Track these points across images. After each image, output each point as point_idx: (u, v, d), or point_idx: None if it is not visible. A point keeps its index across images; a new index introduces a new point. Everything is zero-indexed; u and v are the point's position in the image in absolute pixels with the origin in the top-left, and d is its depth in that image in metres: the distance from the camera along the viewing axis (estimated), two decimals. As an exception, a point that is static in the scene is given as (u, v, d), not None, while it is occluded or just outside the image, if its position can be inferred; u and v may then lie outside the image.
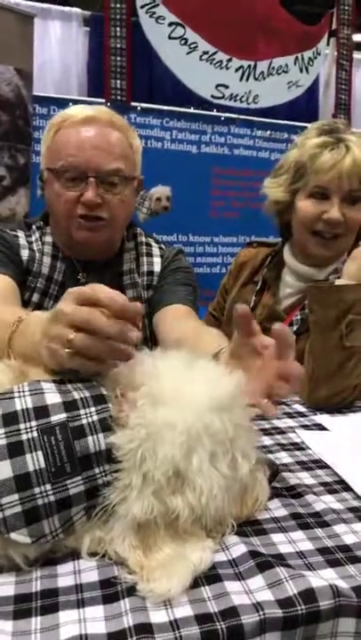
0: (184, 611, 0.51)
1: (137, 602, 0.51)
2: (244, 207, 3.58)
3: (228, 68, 3.42)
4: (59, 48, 3.75)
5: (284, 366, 0.67)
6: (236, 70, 3.45)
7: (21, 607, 0.51)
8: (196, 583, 0.54)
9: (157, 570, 0.54)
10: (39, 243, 1.17)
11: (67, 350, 0.61)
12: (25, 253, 1.14)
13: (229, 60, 3.42)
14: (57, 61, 3.75)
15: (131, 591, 0.53)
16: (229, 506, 0.62)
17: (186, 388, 0.62)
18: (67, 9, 3.77)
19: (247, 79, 3.48)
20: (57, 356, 0.62)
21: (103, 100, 3.18)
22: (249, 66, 3.48)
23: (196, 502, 0.58)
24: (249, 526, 0.65)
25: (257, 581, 0.55)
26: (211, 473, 0.59)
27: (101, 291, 0.61)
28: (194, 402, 0.61)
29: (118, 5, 3.14)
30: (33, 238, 1.18)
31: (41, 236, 1.18)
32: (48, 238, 1.18)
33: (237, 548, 0.60)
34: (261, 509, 0.68)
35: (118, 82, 3.20)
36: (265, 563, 0.57)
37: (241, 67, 3.46)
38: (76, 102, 3.21)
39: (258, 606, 0.51)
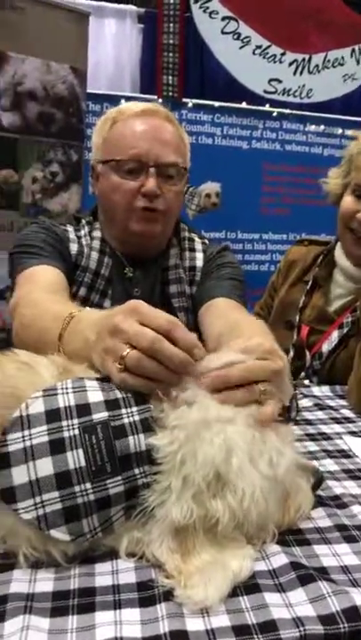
0: (221, 620, 0.49)
1: (173, 608, 0.51)
2: (295, 204, 3.51)
3: (281, 62, 3.36)
4: (113, 45, 3.78)
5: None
6: (290, 64, 3.38)
7: (59, 604, 0.51)
8: (234, 592, 0.53)
9: (195, 576, 0.53)
10: (87, 237, 1.18)
11: (117, 365, 0.61)
12: (74, 247, 1.15)
13: (283, 54, 3.35)
14: (111, 59, 3.79)
15: (167, 596, 0.52)
16: (271, 510, 0.60)
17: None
18: (121, 7, 3.80)
19: (301, 73, 3.40)
20: (107, 368, 0.63)
21: (155, 97, 3.18)
22: (303, 59, 3.39)
23: (237, 506, 0.57)
24: (291, 535, 0.63)
25: (298, 595, 0.53)
26: (251, 474, 0.58)
27: (161, 316, 0.61)
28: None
29: (172, 1, 3.13)
30: (82, 233, 1.19)
31: (90, 231, 1.19)
32: (97, 233, 1.19)
33: (278, 557, 0.58)
34: (304, 518, 0.66)
35: (170, 78, 3.20)
36: (307, 576, 0.55)
37: (295, 60, 3.38)
38: (128, 99, 3.24)
39: (298, 621, 0.49)
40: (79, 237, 1.18)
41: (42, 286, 1.00)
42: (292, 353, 1.31)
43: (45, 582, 0.54)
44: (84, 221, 1.22)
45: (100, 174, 1.15)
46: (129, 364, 0.60)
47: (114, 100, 3.22)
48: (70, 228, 1.19)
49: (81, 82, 2.82)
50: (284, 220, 3.50)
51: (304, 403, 1.11)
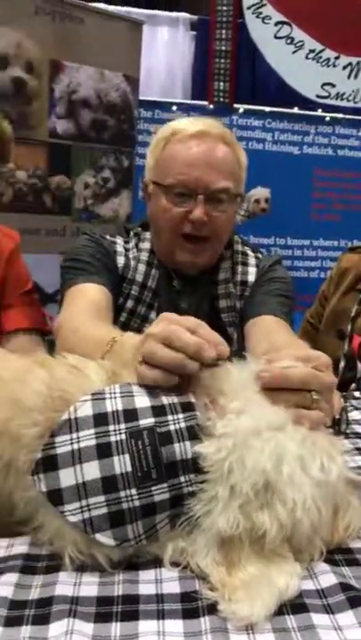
0: (267, 639, 0.48)
1: (217, 622, 0.49)
2: (346, 210, 3.43)
3: (335, 66, 3.29)
4: (165, 53, 3.82)
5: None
6: (344, 68, 3.31)
7: (103, 610, 0.51)
8: (280, 611, 0.51)
9: (240, 590, 0.52)
10: (135, 250, 1.18)
11: (138, 361, 0.62)
12: (121, 260, 1.16)
13: (337, 58, 3.29)
14: (163, 66, 3.83)
15: (211, 609, 0.51)
16: (324, 519, 0.58)
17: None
18: (174, 14, 3.83)
19: (356, 76, 3.33)
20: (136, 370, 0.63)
21: (206, 103, 3.19)
22: (358, 62, 3.32)
23: (287, 517, 0.55)
24: (340, 554, 0.60)
25: (348, 618, 0.50)
26: (303, 482, 0.56)
27: (189, 318, 0.62)
28: (277, 409, 0.58)
29: (225, 8, 3.14)
30: (130, 245, 1.19)
31: (137, 243, 1.19)
32: (145, 245, 1.19)
33: (327, 577, 0.56)
34: (354, 537, 0.63)
35: (221, 84, 3.20)
36: (357, 598, 0.52)
37: (349, 64, 3.31)
38: (179, 105, 3.26)
39: (348, 645, 0.47)
40: (127, 250, 1.18)
41: (85, 306, 1.01)
42: (343, 363, 1.27)
43: (90, 586, 0.54)
44: (132, 233, 1.22)
45: (151, 194, 1.15)
46: (144, 352, 0.60)
47: (165, 107, 3.25)
48: (119, 240, 1.19)
49: (133, 89, 2.86)
50: (334, 227, 3.43)
51: (354, 415, 1.08)
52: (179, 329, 0.60)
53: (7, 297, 1.15)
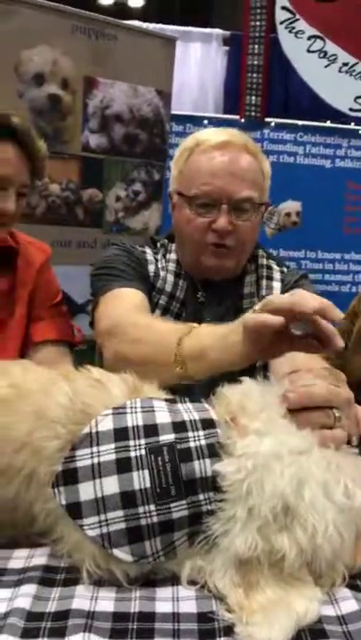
0: (283, 664, 0.47)
1: (234, 644, 0.49)
2: (379, 224, 3.38)
3: (369, 79, 3.27)
4: (198, 68, 3.87)
5: None
6: (378, 80, 3.28)
7: (119, 626, 0.51)
8: (298, 636, 0.50)
9: (258, 613, 0.51)
10: (163, 260, 1.19)
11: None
12: (151, 269, 1.17)
13: (371, 71, 3.26)
14: (195, 80, 3.87)
15: (228, 631, 0.50)
16: (347, 546, 0.57)
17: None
18: (207, 30, 3.88)
19: (390, 89, 3.29)
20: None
21: (237, 117, 3.20)
22: (392, 75, 3.29)
23: (307, 542, 0.54)
24: (362, 580, 0.59)
25: (368, 646, 0.49)
26: (325, 508, 0.55)
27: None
28: (302, 433, 0.57)
29: (258, 23, 3.16)
30: (158, 256, 1.20)
31: (165, 254, 1.20)
32: (172, 256, 1.19)
33: (348, 603, 0.54)
34: (379, 562, 0.61)
35: (253, 98, 3.21)
36: (379, 626, 0.51)
37: (384, 77, 3.28)
38: (210, 120, 3.29)
39: (367, 676, 0.46)
40: (156, 260, 1.19)
41: (131, 306, 1.02)
42: (371, 380, 1.24)
43: (107, 602, 0.54)
44: (159, 244, 1.23)
45: (175, 204, 1.16)
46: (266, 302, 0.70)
47: (197, 121, 3.28)
48: (148, 250, 1.20)
49: (165, 104, 2.90)
50: (367, 240, 3.38)
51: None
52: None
53: (37, 308, 1.17)
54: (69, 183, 2.64)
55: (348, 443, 0.69)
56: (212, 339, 0.79)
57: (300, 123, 3.28)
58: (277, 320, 0.68)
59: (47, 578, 0.57)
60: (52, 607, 0.53)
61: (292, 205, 3.22)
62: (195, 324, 0.85)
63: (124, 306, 1.02)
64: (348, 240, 3.37)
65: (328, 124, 3.33)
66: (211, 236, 1.09)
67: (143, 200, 2.89)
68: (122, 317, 0.98)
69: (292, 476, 0.55)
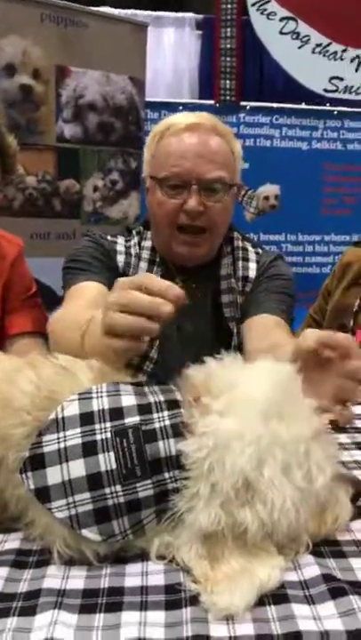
0: (246, 628, 0.49)
1: (198, 612, 0.51)
2: (357, 204, 3.41)
3: (342, 59, 3.28)
4: (172, 53, 3.84)
5: (353, 366, 0.66)
6: (352, 60, 3.30)
7: (88, 602, 0.52)
8: (261, 601, 0.52)
9: (222, 583, 0.53)
10: (137, 247, 1.20)
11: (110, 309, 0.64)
12: (121, 259, 1.18)
13: (344, 51, 3.27)
14: (170, 66, 3.84)
15: (193, 601, 0.52)
16: (304, 522, 0.59)
17: (259, 399, 0.60)
18: (180, 15, 3.84)
19: (364, 69, 3.30)
20: (104, 319, 0.66)
21: (212, 102, 3.20)
22: (366, 54, 3.29)
23: (267, 516, 0.56)
24: (327, 547, 0.61)
25: (327, 608, 0.51)
26: (283, 485, 0.57)
27: (146, 277, 0.65)
28: (265, 412, 0.59)
29: (229, 6, 3.14)
30: (132, 243, 1.21)
31: (140, 241, 1.21)
32: (147, 243, 1.20)
33: (311, 569, 0.57)
34: (342, 529, 0.64)
35: (228, 82, 3.21)
36: (339, 589, 0.53)
37: (357, 56, 3.29)
38: (185, 105, 3.27)
39: (325, 635, 0.48)
40: (128, 248, 1.20)
41: (84, 303, 1.03)
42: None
43: (77, 580, 0.55)
44: (134, 232, 1.24)
45: (148, 188, 1.17)
46: (106, 324, 0.65)
47: (172, 107, 3.27)
48: (120, 240, 1.21)
49: (139, 91, 2.88)
50: (346, 221, 3.41)
51: (356, 410, 1.08)
52: (133, 293, 0.63)
53: (12, 301, 1.17)
54: (45, 175, 2.62)
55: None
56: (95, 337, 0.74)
57: (274, 105, 3.28)
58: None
59: (19, 560, 0.58)
60: (23, 588, 0.54)
61: (270, 189, 3.24)
62: (96, 315, 0.79)
63: (77, 303, 1.04)
64: (328, 221, 3.40)
65: (303, 105, 3.34)
66: (182, 217, 1.10)
67: (121, 189, 2.88)
68: (58, 316, 1.01)
69: (252, 455, 0.57)
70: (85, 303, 1.02)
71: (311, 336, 0.68)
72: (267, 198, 3.25)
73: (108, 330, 0.65)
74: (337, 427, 0.95)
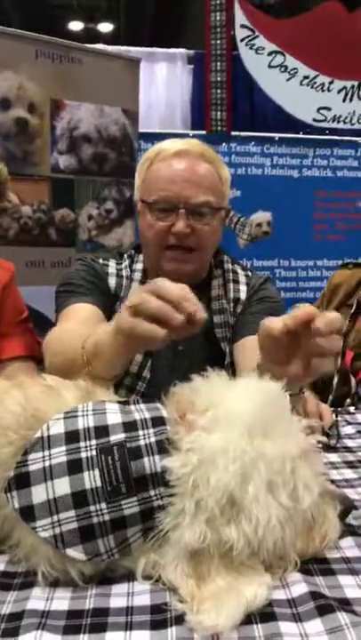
0: (231, 647, 0.48)
1: (184, 632, 0.50)
2: (350, 229, 3.46)
3: (330, 90, 3.37)
4: (164, 87, 3.95)
5: (320, 342, 0.68)
6: (339, 92, 3.39)
7: (72, 623, 0.52)
8: (248, 620, 0.52)
9: (208, 601, 0.52)
10: (128, 270, 1.22)
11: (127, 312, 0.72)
12: (112, 281, 1.20)
13: (331, 83, 3.37)
14: (163, 99, 3.95)
15: (179, 620, 0.51)
16: (291, 540, 0.59)
17: (244, 415, 0.61)
18: (172, 50, 3.97)
19: (351, 99, 3.40)
20: (118, 321, 0.74)
21: (204, 132, 3.27)
22: (353, 86, 3.40)
23: (252, 533, 0.56)
24: (315, 564, 0.61)
25: (315, 625, 0.51)
26: (268, 503, 0.57)
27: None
28: (250, 428, 0.59)
29: (219, 42, 3.25)
30: (123, 266, 1.23)
31: (131, 264, 1.23)
32: (138, 265, 1.23)
33: (298, 586, 0.56)
34: (331, 547, 0.63)
35: (219, 113, 3.29)
36: (326, 606, 0.53)
37: (344, 87, 3.39)
38: (178, 136, 3.35)
39: (311, 652, 0.47)
40: (119, 270, 1.22)
41: (77, 321, 1.05)
42: (336, 378, 1.28)
43: (62, 601, 0.55)
44: (125, 255, 1.27)
45: (139, 212, 1.20)
46: (134, 302, 0.71)
47: (165, 138, 3.33)
48: (112, 263, 1.24)
49: (133, 122, 2.95)
50: (338, 247, 3.45)
51: (347, 430, 1.08)
52: (165, 284, 0.71)
53: (3, 325, 1.18)
54: (41, 204, 2.66)
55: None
56: (104, 333, 0.83)
57: (265, 135, 3.36)
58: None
59: (4, 583, 0.57)
60: (6, 609, 0.54)
61: (262, 216, 3.29)
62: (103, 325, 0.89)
63: (69, 323, 1.06)
64: (319, 247, 3.44)
65: (293, 135, 3.42)
66: (171, 238, 1.13)
67: (115, 218, 2.93)
68: (53, 333, 1.03)
69: (236, 471, 0.57)
70: (80, 322, 1.04)
71: (277, 323, 0.70)
72: (259, 225, 3.29)
73: (134, 307, 0.70)
74: (327, 446, 0.95)
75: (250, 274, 1.27)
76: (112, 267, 1.22)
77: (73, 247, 2.78)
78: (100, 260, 1.23)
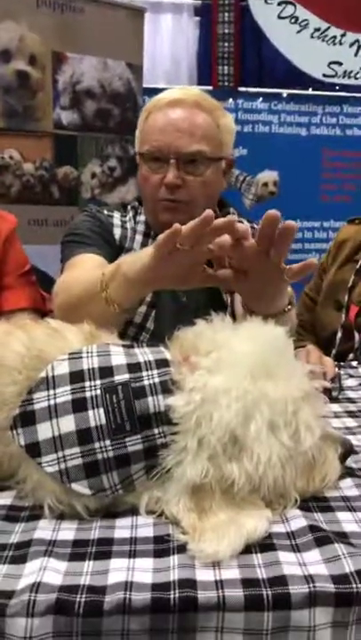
0: (231, 573, 0.50)
1: (185, 559, 0.52)
2: (358, 190, 3.39)
3: (341, 44, 3.25)
4: (170, 40, 3.81)
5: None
6: (351, 45, 3.27)
7: (77, 551, 0.53)
8: (248, 549, 0.53)
9: (209, 532, 0.54)
10: (132, 222, 1.22)
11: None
12: (117, 232, 1.19)
13: (343, 35, 3.24)
14: (168, 53, 3.81)
15: (181, 549, 0.53)
16: (291, 478, 0.60)
17: (247, 356, 0.61)
18: (178, 1, 3.81)
19: (363, 53, 3.28)
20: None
21: (210, 88, 3.18)
22: (365, 39, 3.27)
23: (253, 470, 0.57)
24: (314, 502, 0.62)
25: (313, 555, 0.52)
26: (270, 442, 0.58)
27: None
28: (253, 369, 0.59)
29: (227, -10, 3.12)
30: (127, 217, 1.23)
31: (134, 215, 1.23)
32: (141, 217, 1.22)
33: (298, 521, 0.58)
34: (330, 487, 0.64)
35: (226, 68, 3.19)
36: (324, 538, 0.54)
37: (356, 41, 3.26)
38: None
39: (309, 578, 0.49)
40: (124, 222, 1.22)
41: (83, 270, 1.04)
42: (340, 334, 1.28)
43: (68, 531, 0.56)
44: (129, 207, 1.26)
45: (138, 164, 1.19)
46: None
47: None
48: (116, 214, 1.23)
49: (137, 77, 2.87)
50: (346, 208, 3.38)
51: (349, 382, 1.09)
52: None
53: (6, 277, 1.18)
54: (43, 161, 2.62)
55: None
56: (128, 257, 0.88)
57: (272, 91, 3.26)
58: (182, 229, 0.76)
59: (11, 515, 0.59)
60: (14, 539, 0.55)
61: (268, 175, 3.22)
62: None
63: (77, 271, 1.05)
64: (327, 208, 3.38)
65: (302, 91, 3.31)
66: (162, 191, 1.12)
67: (119, 176, 2.88)
68: (64, 278, 1.04)
69: (239, 410, 0.57)
70: (87, 270, 1.03)
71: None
72: (265, 185, 3.23)
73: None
74: (329, 397, 0.96)
75: (255, 226, 1.26)
76: (117, 218, 1.22)
77: (76, 206, 2.75)
78: (105, 212, 1.23)
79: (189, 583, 0.48)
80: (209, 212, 0.75)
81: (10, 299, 1.16)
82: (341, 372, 1.09)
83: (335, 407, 0.94)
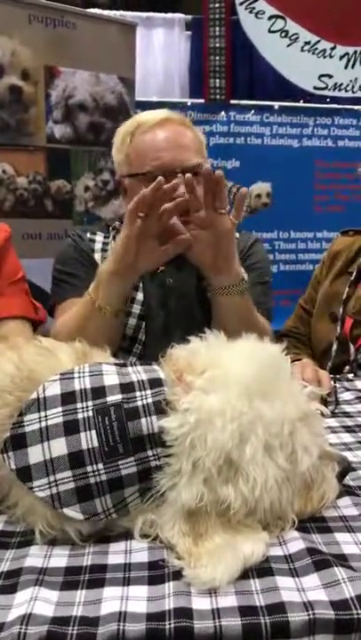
0: (228, 601, 0.49)
1: (181, 586, 0.50)
2: (350, 200, 3.40)
3: (331, 57, 3.28)
4: (162, 54, 3.84)
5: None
6: (341, 58, 3.30)
7: (69, 579, 0.52)
8: (245, 575, 0.52)
9: (205, 557, 0.53)
10: (113, 242, 1.22)
11: None
12: (98, 257, 1.22)
13: (333, 48, 3.27)
14: (160, 67, 3.85)
15: (177, 575, 0.52)
16: (288, 500, 0.59)
17: (242, 376, 0.60)
18: (169, 15, 3.85)
19: (353, 66, 3.31)
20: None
21: (202, 101, 3.20)
22: (355, 52, 3.30)
23: (249, 493, 0.56)
24: (313, 523, 0.61)
25: (312, 580, 0.51)
26: (266, 464, 0.57)
27: None
28: (248, 390, 0.58)
29: (217, 5, 3.15)
30: (109, 239, 1.25)
31: (115, 236, 1.23)
32: None
33: (295, 543, 0.56)
34: (328, 507, 0.63)
35: (217, 81, 3.21)
36: (323, 561, 0.53)
37: (346, 54, 3.29)
38: (175, 105, 3.27)
39: (308, 605, 0.48)
40: (105, 244, 1.25)
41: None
42: (335, 346, 1.27)
43: (59, 558, 0.55)
44: (111, 227, 1.28)
45: (127, 188, 1.19)
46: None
47: (164, 107, 3.27)
48: (99, 237, 1.26)
49: (129, 90, 2.88)
50: (338, 218, 3.39)
51: (345, 396, 1.08)
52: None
53: (-2, 284, 1.17)
54: (36, 175, 2.61)
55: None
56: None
57: (264, 103, 3.29)
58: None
59: (2, 541, 0.58)
60: (4, 567, 0.54)
61: (261, 187, 3.23)
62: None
63: (70, 312, 1.13)
64: (320, 219, 3.39)
65: (293, 103, 3.34)
66: None
67: (112, 189, 2.88)
68: (60, 320, 1.15)
69: (234, 432, 0.56)
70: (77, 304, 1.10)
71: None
72: (259, 196, 3.25)
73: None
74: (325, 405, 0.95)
75: (238, 235, 1.26)
76: (99, 242, 1.25)
77: (69, 219, 2.74)
78: (88, 235, 1.26)
79: (185, 612, 0.47)
80: (160, 178, 0.93)
81: (1, 306, 1.15)
82: (338, 386, 1.08)
83: (332, 422, 0.93)
